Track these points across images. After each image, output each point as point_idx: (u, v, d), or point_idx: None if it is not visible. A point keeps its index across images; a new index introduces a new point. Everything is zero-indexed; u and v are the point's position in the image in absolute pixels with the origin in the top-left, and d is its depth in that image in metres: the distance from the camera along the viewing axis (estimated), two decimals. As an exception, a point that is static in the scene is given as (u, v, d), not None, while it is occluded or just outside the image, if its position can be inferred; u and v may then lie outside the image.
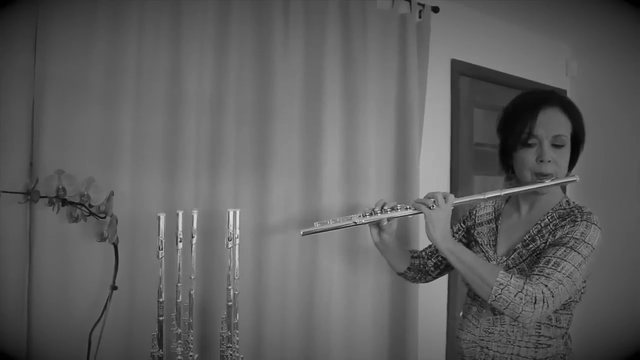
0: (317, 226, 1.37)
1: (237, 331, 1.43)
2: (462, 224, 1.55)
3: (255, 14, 1.76)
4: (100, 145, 1.49)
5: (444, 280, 2.28)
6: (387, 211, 1.36)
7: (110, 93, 1.51)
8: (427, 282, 1.62)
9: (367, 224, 1.40)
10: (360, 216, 1.36)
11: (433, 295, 2.29)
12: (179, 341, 1.34)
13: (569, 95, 3.04)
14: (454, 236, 1.54)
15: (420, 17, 2.19)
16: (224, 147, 1.69)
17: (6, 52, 1.37)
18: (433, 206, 1.26)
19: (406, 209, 1.33)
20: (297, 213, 1.84)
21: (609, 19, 2.61)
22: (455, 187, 2.45)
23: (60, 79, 1.43)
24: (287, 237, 1.80)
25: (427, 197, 1.30)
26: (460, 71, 2.50)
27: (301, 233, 1.38)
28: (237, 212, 1.43)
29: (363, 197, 1.94)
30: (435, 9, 2.25)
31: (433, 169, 2.36)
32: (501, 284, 1.13)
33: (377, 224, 1.41)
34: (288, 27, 1.81)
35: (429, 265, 1.57)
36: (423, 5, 2.19)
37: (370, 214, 1.37)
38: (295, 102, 1.83)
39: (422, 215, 1.28)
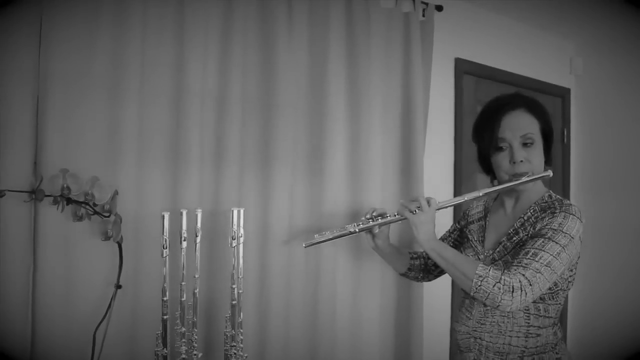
0: (317, 238, 1.51)
1: (241, 330, 1.43)
2: (457, 224, 1.62)
3: (259, 12, 1.76)
4: (105, 143, 1.49)
5: (447, 276, 2.29)
6: (377, 219, 1.48)
7: (114, 91, 1.51)
8: (429, 280, 1.69)
9: (362, 232, 1.51)
10: (354, 225, 1.49)
11: (436, 292, 2.29)
12: (183, 340, 1.34)
13: (573, 93, 3.03)
14: (449, 236, 1.63)
15: (424, 15, 2.19)
16: (228, 146, 1.68)
17: (11, 50, 1.37)
18: (416, 211, 1.35)
19: (395, 215, 1.45)
20: (301, 211, 1.83)
21: (614, 17, 2.59)
22: (459, 184, 2.45)
23: (64, 77, 1.43)
24: (292, 235, 1.80)
25: (412, 200, 1.39)
26: (464, 70, 2.49)
27: (303, 245, 1.52)
28: (241, 211, 1.44)
29: (367, 195, 1.93)
30: (439, 8, 2.24)
31: (437, 167, 2.35)
32: (480, 276, 1.22)
33: (370, 231, 1.51)
34: (292, 25, 1.81)
35: (429, 264, 1.64)
36: (427, 4, 2.19)
37: (363, 222, 1.49)
38: (299, 100, 1.83)
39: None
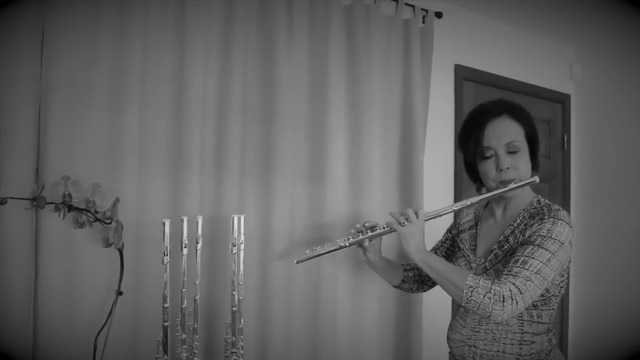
0: (308, 253, 1.49)
1: (242, 336, 1.43)
2: (449, 233, 1.62)
3: (259, 20, 1.78)
4: (106, 151, 1.50)
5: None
6: (367, 232, 1.47)
7: (116, 99, 1.52)
8: (424, 291, 1.68)
9: (353, 245, 1.49)
10: (344, 239, 1.48)
11: (436, 300, 2.27)
12: (184, 346, 1.34)
13: (573, 99, 3.03)
14: (441, 246, 1.62)
15: (423, 22, 2.20)
16: (229, 153, 1.69)
17: (13, 58, 1.38)
18: (404, 222, 1.35)
19: (384, 227, 1.44)
20: (302, 219, 1.84)
21: (613, 21, 2.60)
22: (459, 191, 2.45)
23: (66, 85, 1.44)
24: (292, 242, 1.80)
25: (400, 213, 1.39)
26: (464, 76, 2.50)
27: (295, 262, 1.50)
28: (242, 218, 1.44)
29: (368, 203, 1.94)
30: (439, 15, 2.25)
31: (437, 174, 2.35)
32: (470, 286, 1.21)
33: (361, 245, 1.50)
34: (292, 33, 1.82)
35: (423, 274, 1.62)
36: (426, 11, 2.20)
37: (353, 236, 1.48)
38: (300, 108, 1.84)
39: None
